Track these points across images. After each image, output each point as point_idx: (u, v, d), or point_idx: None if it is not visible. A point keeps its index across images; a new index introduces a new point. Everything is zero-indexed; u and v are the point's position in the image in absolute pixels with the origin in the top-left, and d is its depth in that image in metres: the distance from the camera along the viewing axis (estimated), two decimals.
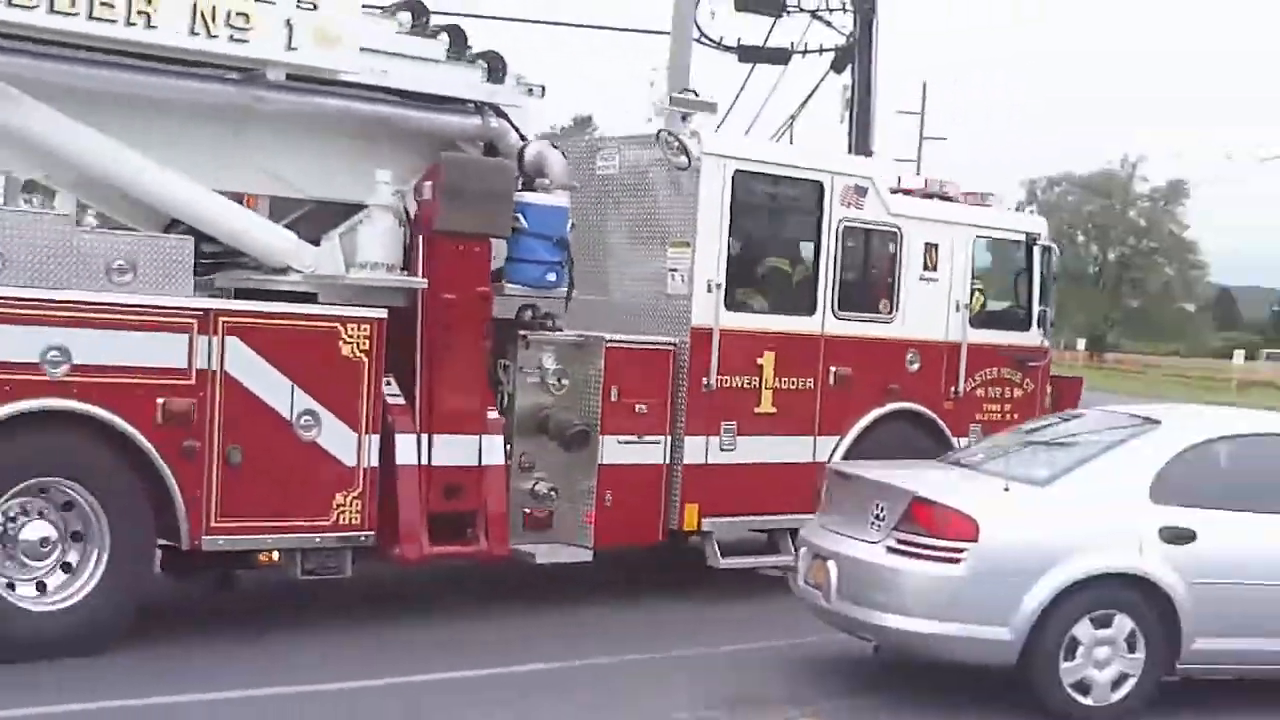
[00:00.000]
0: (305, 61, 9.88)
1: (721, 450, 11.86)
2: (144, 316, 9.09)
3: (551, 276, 11.10)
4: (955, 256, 13.58)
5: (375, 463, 9.95)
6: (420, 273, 10.41)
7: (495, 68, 11.05)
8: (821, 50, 30.05)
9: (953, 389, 13.55)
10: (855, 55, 29.04)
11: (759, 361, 12.16)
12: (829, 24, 29.56)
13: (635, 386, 11.46)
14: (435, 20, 10.98)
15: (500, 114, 11.08)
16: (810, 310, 12.53)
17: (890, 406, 13.02)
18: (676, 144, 11.89)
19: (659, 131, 12.19)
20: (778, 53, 30.60)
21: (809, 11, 29.51)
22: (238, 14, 9.49)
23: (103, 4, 9.06)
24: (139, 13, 9.16)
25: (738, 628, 11.00)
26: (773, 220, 13.08)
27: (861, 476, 9.63)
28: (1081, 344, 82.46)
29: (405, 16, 10.71)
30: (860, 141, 29.19)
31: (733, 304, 12.04)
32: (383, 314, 9.98)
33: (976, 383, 13.80)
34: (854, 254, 13.01)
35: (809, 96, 35.72)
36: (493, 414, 10.68)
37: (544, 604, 11.49)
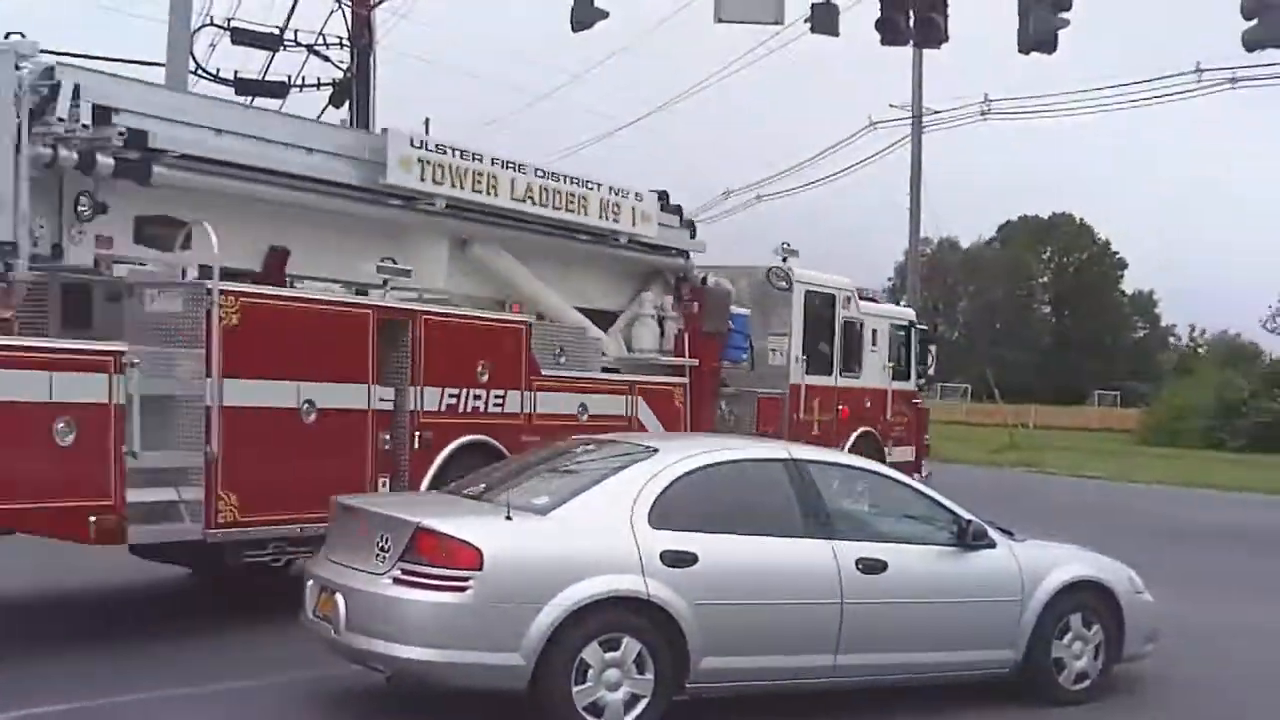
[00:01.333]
0: (637, 232, 17.40)
1: None
2: (600, 385, 16.08)
3: (744, 356, 19.72)
4: (881, 337, 23.36)
5: None
6: (689, 355, 17.91)
7: (692, 227, 18.74)
8: (320, 84, 29.97)
9: (883, 417, 23.26)
10: (353, 90, 29.08)
11: (815, 403, 21.54)
12: (326, 59, 29.55)
13: (770, 420, 20.24)
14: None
15: (687, 256, 18.47)
16: (829, 372, 22.05)
17: (861, 429, 22.38)
18: (784, 276, 21.27)
19: (771, 268, 21.26)
20: (276, 86, 30.34)
21: (306, 46, 29.42)
22: (614, 205, 16.93)
23: (567, 203, 16.29)
24: (580, 206, 16.40)
25: (262, 663, 10.77)
26: (819, 319, 21.90)
27: (365, 509, 9.57)
28: None
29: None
30: None
31: (807, 370, 21.42)
32: (686, 380, 17.47)
33: (894, 414, 23.54)
34: (846, 337, 22.38)
35: None
36: None
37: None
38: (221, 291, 11.49)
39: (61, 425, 10.26)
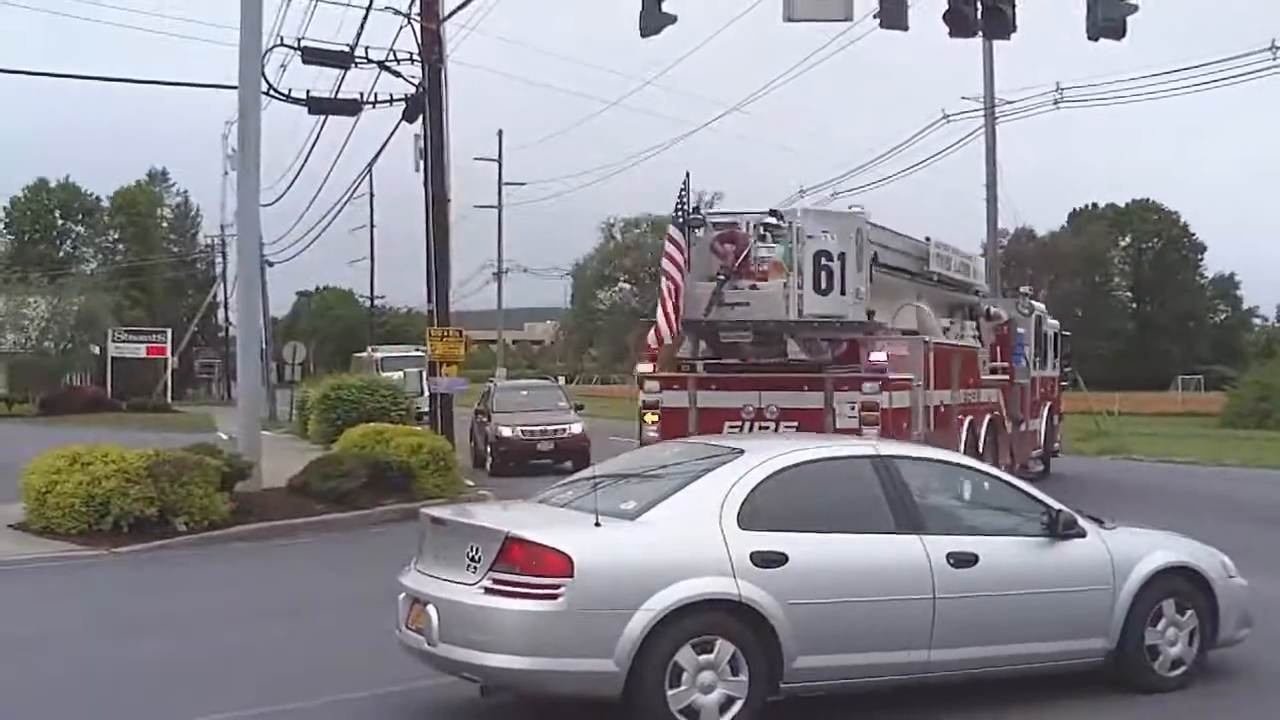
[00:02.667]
0: (978, 282, 28.48)
1: None
2: (996, 384, 27.23)
3: (1022, 362, 28.04)
4: (1052, 340, 32.14)
5: None
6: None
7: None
8: (392, 100, 30.19)
9: (1053, 396, 32.63)
10: (425, 104, 29.28)
11: (1036, 390, 30.30)
12: (398, 74, 29.77)
13: (1025, 404, 28.60)
14: None
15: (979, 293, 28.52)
16: (1038, 368, 30.41)
17: (1048, 403, 31.68)
18: (1028, 305, 29.60)
19: (1019, 299, 29.95)
20: (348, 104, 30.67)
21: (377, 63, 29.64)
22: (965, 262, 26.86)
23: (957, 268, 26.70)
24: (968, 269, 27.24)
25: (355, 677, 10.87)
26: (1039, 332, 30.34)
27: (454, 520, 9.65)
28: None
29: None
30: (436, 188, 29.45)
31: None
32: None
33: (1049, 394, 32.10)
34: (1044, 343, 31.13)
35: (383, 146, 36.01)
36: None
37: None
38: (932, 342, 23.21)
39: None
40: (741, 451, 9.98)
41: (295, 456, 27.22)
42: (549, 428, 33.91)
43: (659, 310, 20.98)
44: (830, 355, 21.32)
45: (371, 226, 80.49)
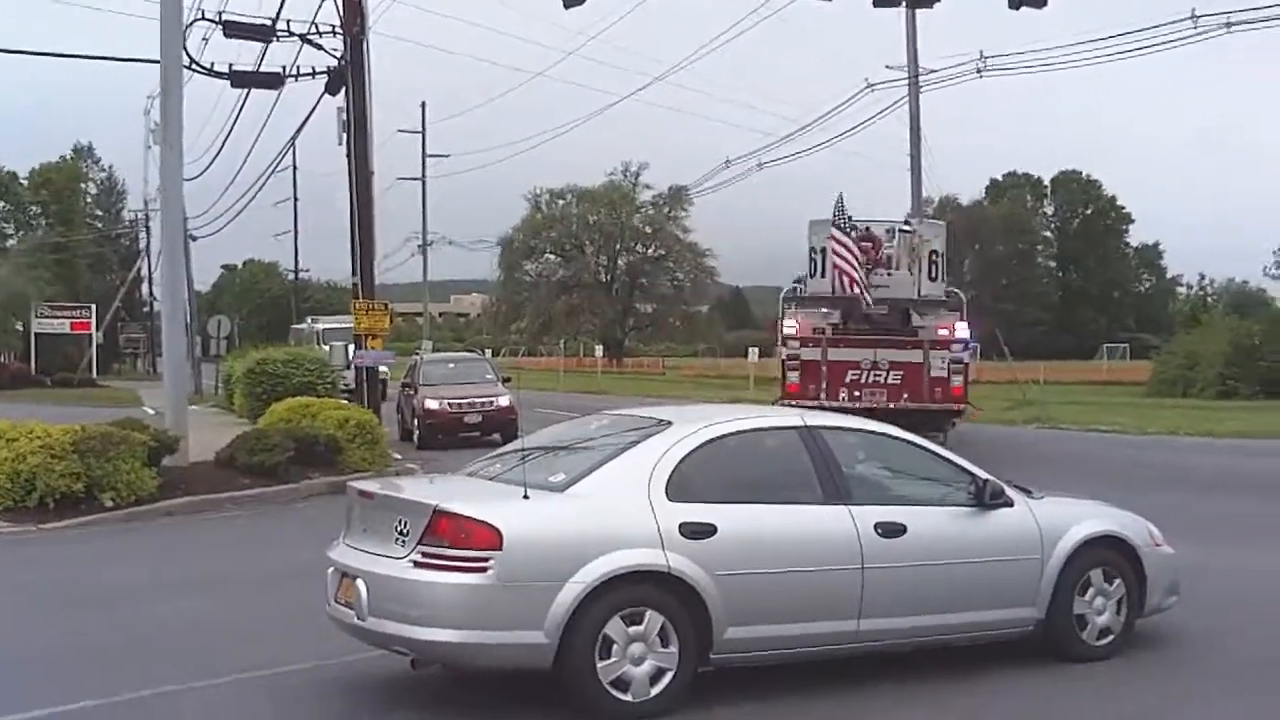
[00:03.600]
0: None
1: None
2: None
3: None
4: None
5: None
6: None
7: None
8: (315, 73, 29.93)
9: None
10: (348, 77, 29.04)
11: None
12: (320, 47, 29.48)
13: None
14: None
15: None
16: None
17: None
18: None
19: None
20: (270, 77, 30.37)
21: (299, 36, 29.35)
22: None
23: None
24: None
25: (283, 651, 10.79)
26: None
27: (383, 494, 9.60)
28: (599, 350, 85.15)
29: None
30: (359, 162, 29.26)
31: None
32: None
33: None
34: None
35: (306, 119, 35.73)
36: None
37: None
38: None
39: None
40: (669, 423, 9.97)
41: (222, 430, 27.02)
42: (476, 400, 33.86)
43: (847, 289, 27.58)
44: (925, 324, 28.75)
45: (295, 200, 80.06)
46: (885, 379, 27.48)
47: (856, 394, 27.24)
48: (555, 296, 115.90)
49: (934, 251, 28.61)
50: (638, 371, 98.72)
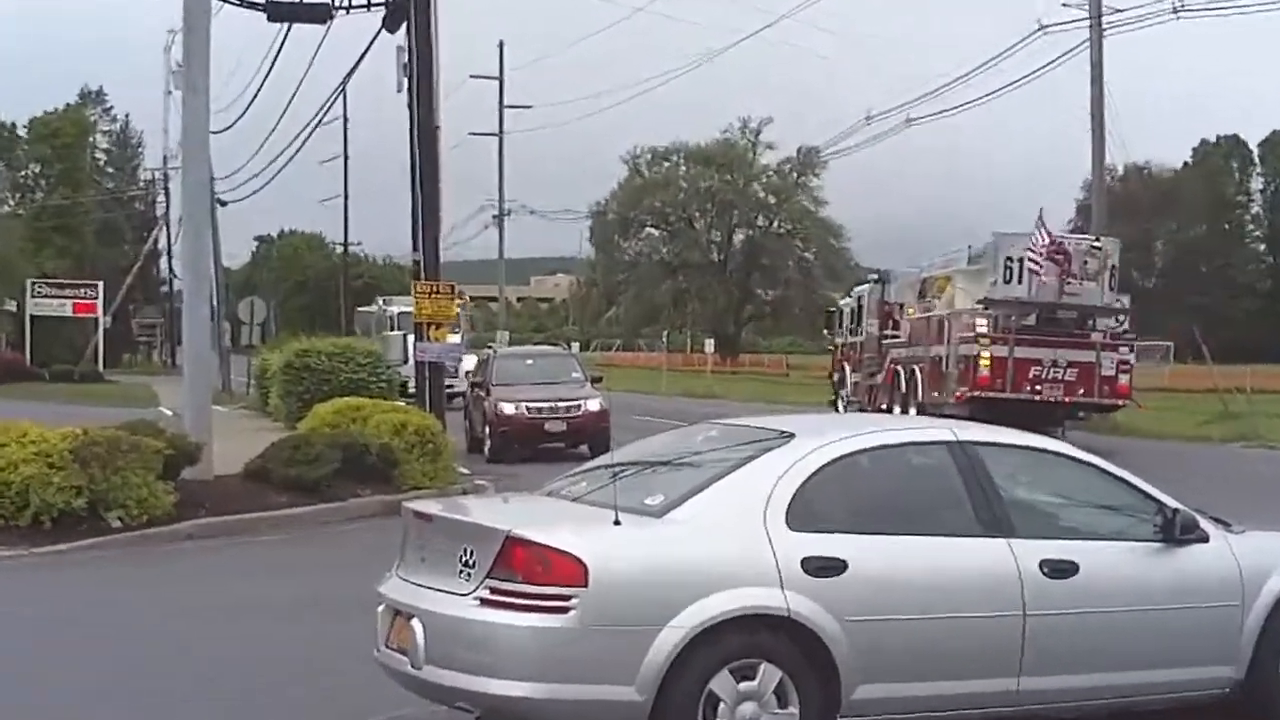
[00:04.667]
0: None
1: None
2: None
3: None
4: None
5: None
6: None
7: None
8: (370, 5, 30.04)
9: None
10: (411, 8, 29.12)
11: None
12: None
13: None
14: None
15: None
16: None
17: None
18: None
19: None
20: (315, 9, 30.38)
21: None
22: None
23: None
24: None
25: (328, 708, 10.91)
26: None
27: (444, 516, 9.68)
28: (710, 345, 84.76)
29: None
30: (423, 113, 29.41)
31: None
32: None
33: None
34: None
35: (359, 61, 35.91)
36: None
37: None
38: None
39: None
40: (792, 436, 9.97)
41: (254, 437, 27.32)
42: (560, 404, 34.07)
43: (1048, 296, 36.40)
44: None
45: (346, 158, 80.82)
46: (1063, 375, 36.35)
47: (1038, 388, 36.15)
48: (658, 280, 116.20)
49: (1113, 265, 37.72)
50: (756, 371, 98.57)
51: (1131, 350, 38.36)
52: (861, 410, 42.89)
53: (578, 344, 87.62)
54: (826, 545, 9.16)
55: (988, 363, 36.46)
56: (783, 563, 9.00)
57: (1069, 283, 36.74)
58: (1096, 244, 38.14)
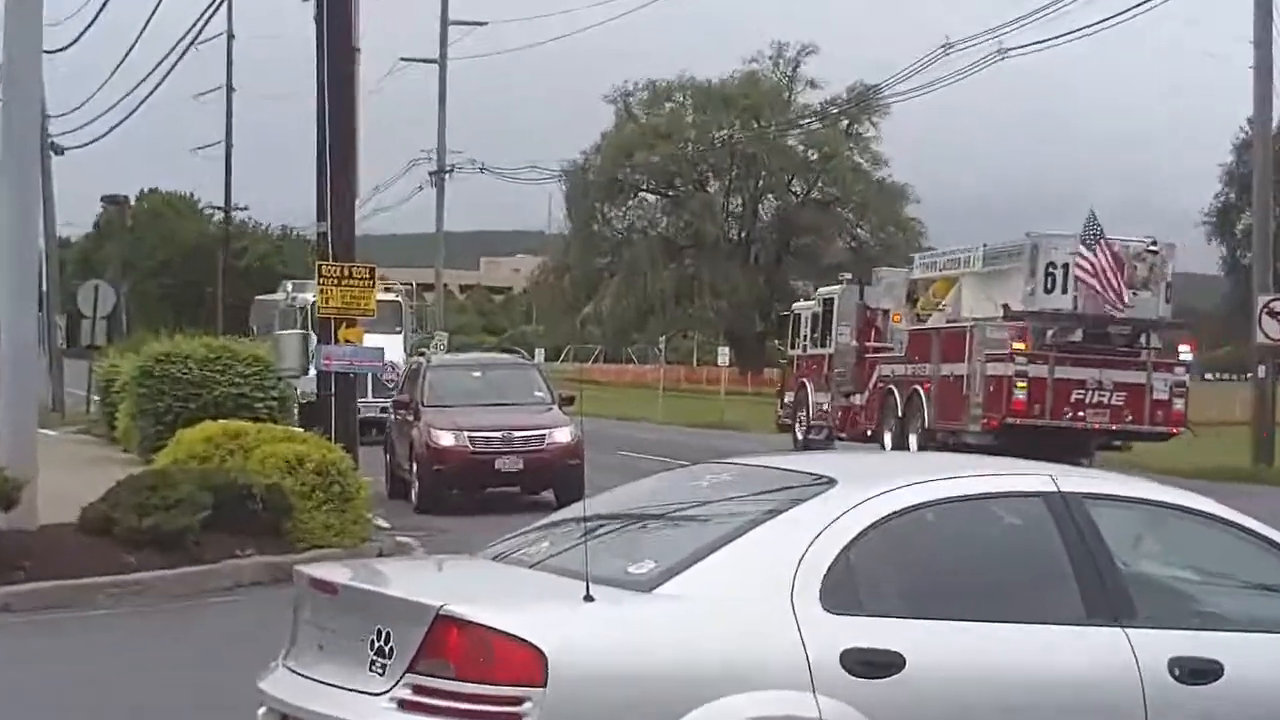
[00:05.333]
0: None
1: None
2: None
3: None
4: None
5: None
6: None
7: None
8: None
9: None
10: None
11: None
12: None
13: None
14: None
15: None
16: None
17: None
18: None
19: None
20: None
21: None
22: None
23: None
24: None
25: None
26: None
27: (351, 585, 9.67)
28: (725, 354, 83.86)
29: None
30: (335, 30, 29.56)
31: None
32: None
33: None
34: None
35: None
36: None
37: None
38: None
39: None
40: (831, 481, 9.90)
41: (94, 472, 27.38)
42: (516, 434, 34.13)
43: (1106, 292, 41.61)
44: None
45: (229, 90, 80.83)
46: (1109, 399, 41.91)
47: (1081, 414, 41.73)
48: (655, 263, 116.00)
49: (1170, 272, 43.33)
50: None
51: (1188, 371, 44.52)
52: (829, 439, 44.56)
53: (542, 351, 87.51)
54: (876, 633, 9.16)
55: (1025, 385, 41.46)
56: (815, 657, 8.98)
57: (1122, 294, 41.99)
58: (1153, 247, 43.36)
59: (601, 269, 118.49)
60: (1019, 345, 41.65)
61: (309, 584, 9.87)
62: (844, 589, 9.22)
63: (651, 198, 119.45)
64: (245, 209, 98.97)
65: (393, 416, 37.76)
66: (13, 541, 21.60)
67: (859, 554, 9.37)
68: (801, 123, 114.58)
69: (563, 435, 33.98)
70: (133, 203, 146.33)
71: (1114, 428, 42.07)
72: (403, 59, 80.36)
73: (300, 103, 30.58)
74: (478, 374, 38.31)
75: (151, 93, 52.54)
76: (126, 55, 55.72)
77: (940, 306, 46.47)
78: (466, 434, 34.00)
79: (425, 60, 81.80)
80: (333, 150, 29.81)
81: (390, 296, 54.27)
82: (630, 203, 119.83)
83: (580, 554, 9.28)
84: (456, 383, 36.80)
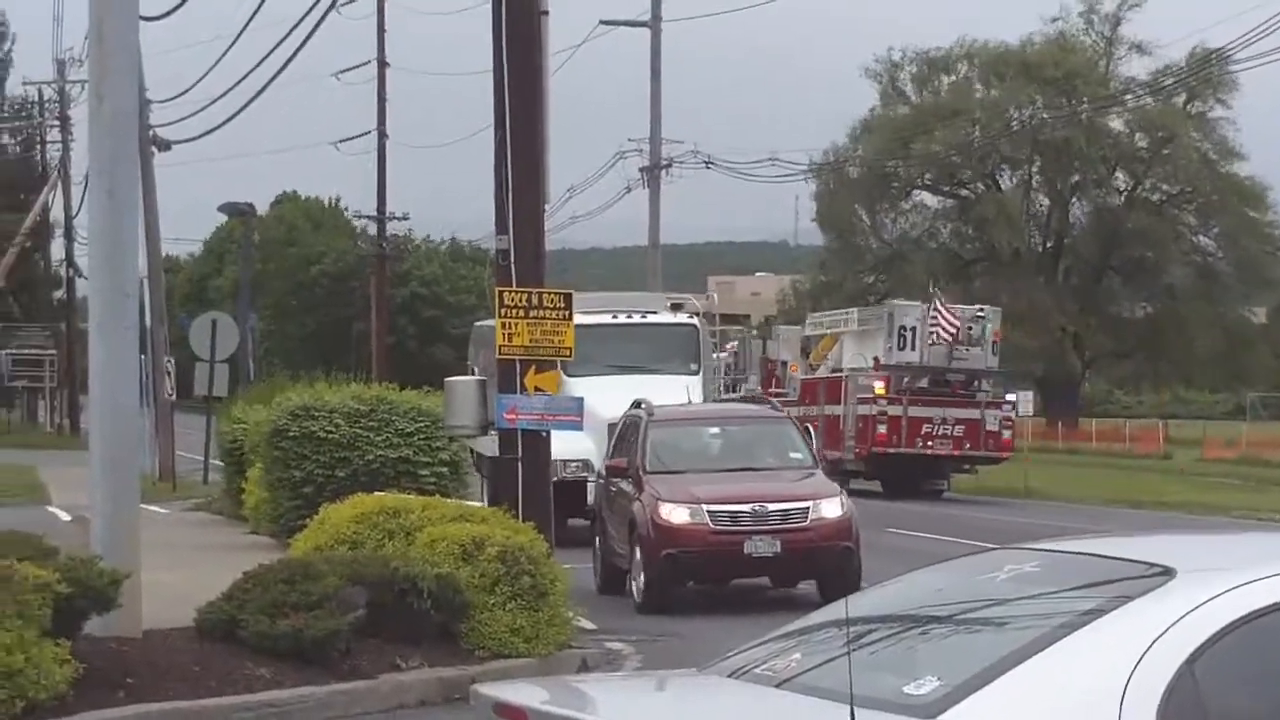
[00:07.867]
0: None
1: None
2: None
3: None
4: None
5: None
6: None
7: None
8: None
9: None
10: None
11: None
12: None
13: None
14: None
15: None
16: None
17: None
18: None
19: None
20: None
21: None
22: None
23: None
24: None
25: None
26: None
27: (549, 713, 9.69)
28: (1028, 401, 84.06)
29: None
30: None
31: None
32: None
33: None
34: None
35: None
36: None
37: None
38: None
39: None
40: (1169, 573, 9.74)
41: (215, 561, 27.56)
42: (772, 507, 34.00)
43: (940, 360, 75.97)
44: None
45: (382, 65, 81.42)
46: (952, 431, 72.69)
47: (930, 443, 72.53)
48: (936, 281, 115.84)
49: (996, 332, 73.33)
50: (1111, 451, 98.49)
51: (1013, 408, 77.94)
52: None
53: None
54: None
55: (885, 422, 71.95)
56: None
57: (957, 349, 72.49)
58: (980, 313, 74.09)
59: (866, 289, 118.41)
60: (880, 390, 71.55)
61: (493, 710, 9.91)
62: (1193, 715, 9.09)
63: (930, 199, 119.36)
64: (405, 218, 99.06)
65: (602, 487, 37.58)
66: (112, 653, 21.71)
67: (1211, 668, 9.20)
68: (1128, 101, 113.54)
69: (831, 509, 33.93)
70: (261, 215, 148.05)
71: (957, 454, 73.86)
72: (603, 21, 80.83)
73: (473, 80, 30.65)
74: (715, 430, 38.12)
75: (281, 70, 52.40)
76: (249, 23, 55.25)
77: (826, 359, 73.28)
78: (705, 508, 33.75)
79: (632, 23, 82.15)
80: (514, 141, 29.84)
81: (682, 318, 54.44)
82: (903, 205, 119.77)
83: (842, 668, 9.19)
84: (687, 442, 36.67)
